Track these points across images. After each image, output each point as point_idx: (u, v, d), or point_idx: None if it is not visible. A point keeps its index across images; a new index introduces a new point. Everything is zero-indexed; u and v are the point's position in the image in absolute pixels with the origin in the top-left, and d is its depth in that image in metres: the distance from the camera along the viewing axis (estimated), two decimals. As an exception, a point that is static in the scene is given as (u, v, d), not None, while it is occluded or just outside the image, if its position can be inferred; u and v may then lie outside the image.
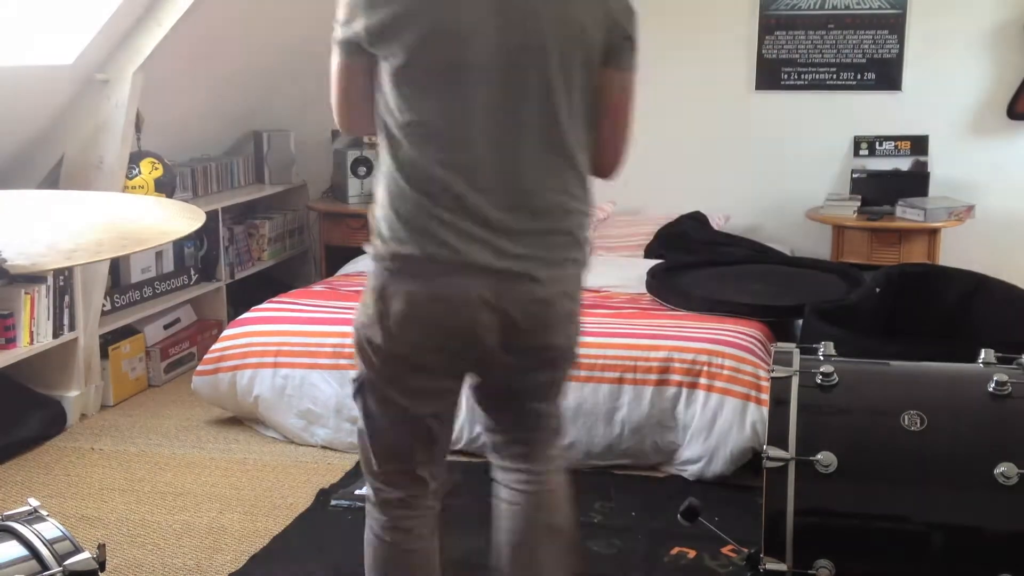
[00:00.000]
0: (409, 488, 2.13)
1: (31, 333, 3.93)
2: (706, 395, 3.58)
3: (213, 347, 4.11)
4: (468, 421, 3.61)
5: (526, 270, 1.98)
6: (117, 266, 4.57)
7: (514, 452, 2.25)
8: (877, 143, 5.42)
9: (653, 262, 4.69)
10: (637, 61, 2.13)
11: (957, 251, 5.06)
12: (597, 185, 2.17)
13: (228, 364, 4.00)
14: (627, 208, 5.61)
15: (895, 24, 5.32)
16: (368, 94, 2.01)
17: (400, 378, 2.05)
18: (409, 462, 2.11)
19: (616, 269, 4.72)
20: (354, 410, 3.94)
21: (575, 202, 2.04)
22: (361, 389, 2.12)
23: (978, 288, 3.95)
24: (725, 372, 3.59)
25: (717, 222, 5.37)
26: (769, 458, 2.35)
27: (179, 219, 2.00)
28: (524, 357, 2.08)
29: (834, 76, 5.43)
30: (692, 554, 3.04)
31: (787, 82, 5.48)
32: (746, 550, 2.51)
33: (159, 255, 4.83)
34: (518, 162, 1.97)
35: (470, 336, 1.98)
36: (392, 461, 2.12)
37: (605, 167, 2.15)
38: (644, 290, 4.35)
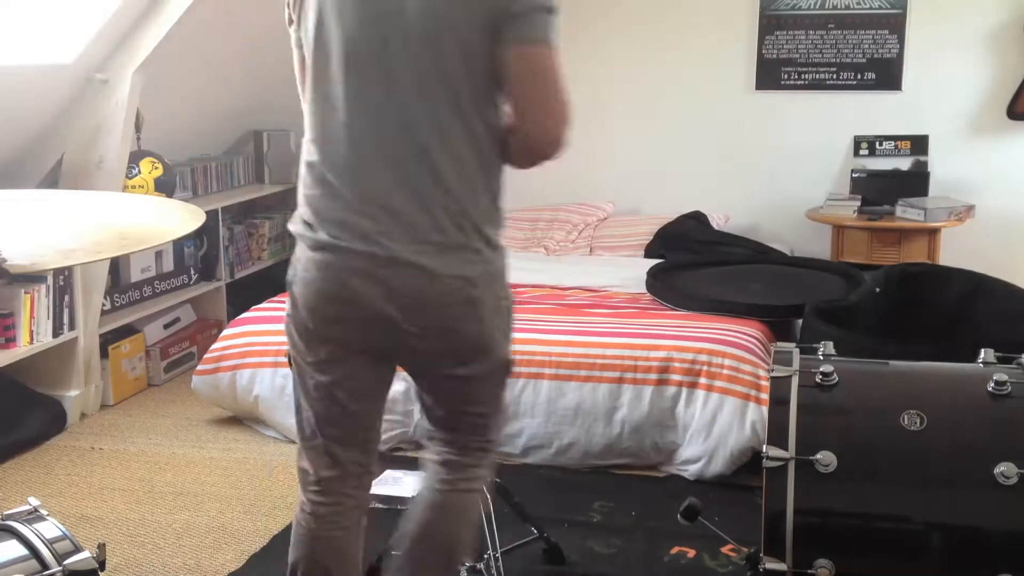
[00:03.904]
0: (324, 469, 2.12)
1: (31, 333, 3.93)
2: (706, 395, 3.59)
3: (213, 347, 4.11)
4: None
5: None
6: (117, 266, 4.57)
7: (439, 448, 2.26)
8: (877, 143, 5.42)
9: (653, 262, 4.69)
10: (548, 33, 1.91)
11: (957, 251, 5.06)
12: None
13: (228, 363, 4.01)
14: (627, 208, 5.61)
15: (895, 24, 5.32)
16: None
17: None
18: (322, 437, 2.12)
19: (616, 269, 4.73)
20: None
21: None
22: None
23: (978, 288, 3.95)
24: (725, 372, 3.59)
25: (717, 222, 5.37)
26: (769, 458, 2.35)
27: (179, 218, 2.00)
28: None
29: (834, 76, 5.43)
30: (692, 554, 3.04)
31: (787, 82, 5.48)
32: (746, 550, 2.51)
33: (159, 255, 4.83)
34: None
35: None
36: (311, 437, 2.13)
37: (518, 156, 2.00)
38: (644, 290, 4.36)
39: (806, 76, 5.46)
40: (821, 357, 2.57)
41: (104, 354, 4.35)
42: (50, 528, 1.86)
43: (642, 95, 5.61)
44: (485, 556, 2.77)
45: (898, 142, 5.40)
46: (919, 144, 5.38)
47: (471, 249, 1.98)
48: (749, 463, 3.50)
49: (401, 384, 3.76)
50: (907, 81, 5.35)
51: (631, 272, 4.59)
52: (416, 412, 3.78)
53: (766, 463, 2.35)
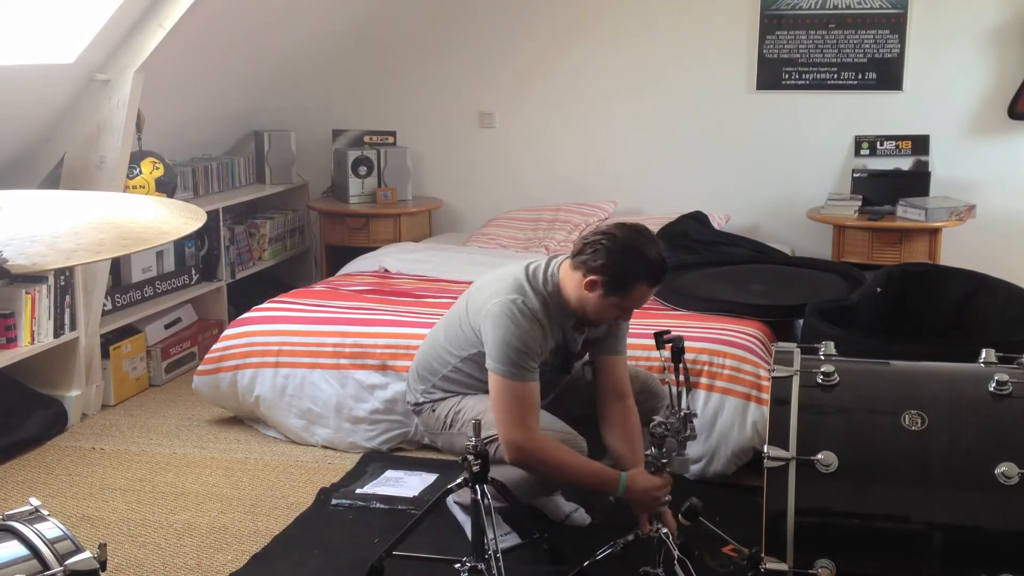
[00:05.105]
0: None
1: (32, 333, 3.93)
2: (707, 395, 3.59)
3: (214, 347, 4.11)
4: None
5: None
6: (118, 266, 4.57)
7: None
8: (878, 143, 5.42)
9: (654, 262, 4.68)
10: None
11: (958, 251, 5.06)
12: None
13: (229, 364, 4.00)
14: (628, 208, 5.61)
15: (896, 24, 5.32)
16: None
17: None
18: None
19: (617, 269, 4.71)
20: (354, 410, 3.95)
21: None
22: None
23: (979, 288, 3.95)
24: (726, 372, 3.59)
25: (718, 222, 5.36)
26: (770, 458, 2.35)
27: (180, 219, 2.00)
28: None
29: (835, 76, 5.43)
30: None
31: (788, 82, 5.48)
32: (747, 550, 2.51)
33: (160, 255, 4.83)
34: None
35: None
36: None
37: None
38: (645, 290, 4.35)
39: (807, 76, 5.46)
40: (822, 357, 2.58)
41: (105, 354, 4.35)
42: (51, 528, 1.86)
43: (643, 95, 5.61)
44: (485, 556, 2.76)
45: (899, 142, 5.40)
46: (920, 144, 5.38)
47: None
48: (750, 463, 3.50)
49: (400, 384, 3.77)
50: (908, 81, 5.35)
51: (632, 272, 4.58)
52: (415, 412, 3.79)
53: (767, 463, 2.35)
